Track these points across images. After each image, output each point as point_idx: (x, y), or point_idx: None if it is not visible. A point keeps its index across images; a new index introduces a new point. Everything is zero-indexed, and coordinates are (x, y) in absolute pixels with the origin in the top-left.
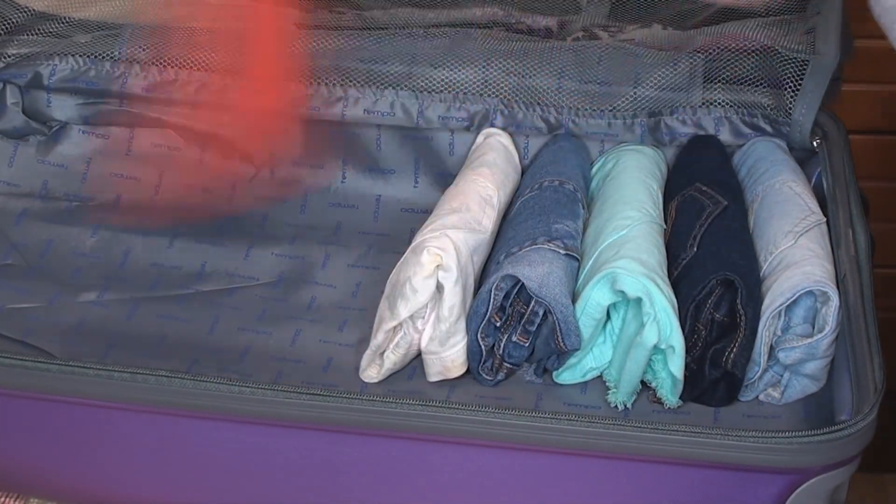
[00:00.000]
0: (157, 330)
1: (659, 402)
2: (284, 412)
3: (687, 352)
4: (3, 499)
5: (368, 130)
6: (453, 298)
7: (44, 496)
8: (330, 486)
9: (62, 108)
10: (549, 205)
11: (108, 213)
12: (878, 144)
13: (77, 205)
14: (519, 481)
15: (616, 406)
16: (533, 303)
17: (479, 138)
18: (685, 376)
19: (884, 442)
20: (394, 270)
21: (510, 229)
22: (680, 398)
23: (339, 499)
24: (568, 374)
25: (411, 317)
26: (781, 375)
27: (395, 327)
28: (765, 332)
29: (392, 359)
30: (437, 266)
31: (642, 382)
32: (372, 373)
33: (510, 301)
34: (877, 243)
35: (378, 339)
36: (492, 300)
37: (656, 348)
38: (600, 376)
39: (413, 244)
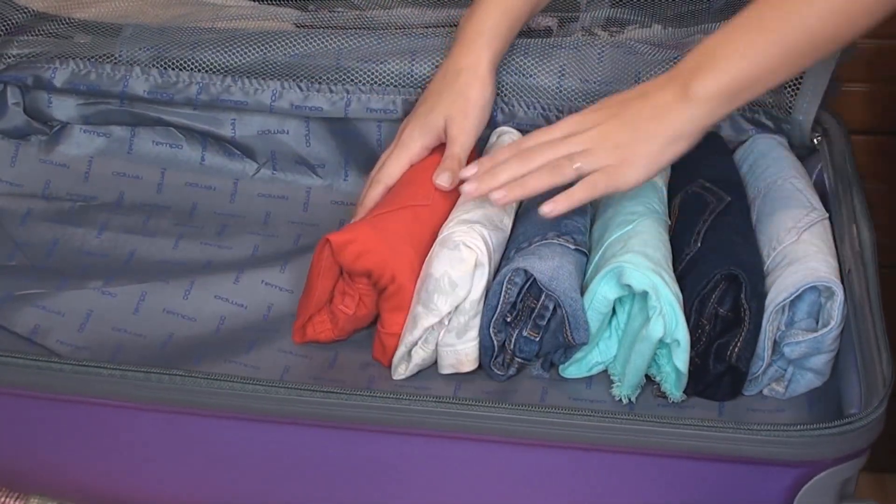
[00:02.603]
0: (164, 325)
1: (663, 395)
2: (297, 410)
3: (691, 346)
4: (3, 498)
5: (369, 128)
6: (477, 293)
7: (54, 496)
8: (340, 482)
9: (63, 108)
10: None
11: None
12: (878, 145)
13: (81, 204)
14: (529, 476)
15: (620, 400)
16: (543, 297)
17: (493, 137)
18: (689, 370)
19: (884, 442)
20: (423, 266)
21: (519, 225)
22: (684, 392)
23: (350, 495)
24: (574, 369)
25: None
26: (785, 370)
27: (434, 324)
28: (769, 327)
29: (421, 354)
30: (475, 260)
31: (646, 376)
32: (402, 370)
33: (521, 296)
34: (877, 243)
35: (414, 335)
36: (503, 292)
37: (661, 342)
38: (605, 370)
39: (441, 237)
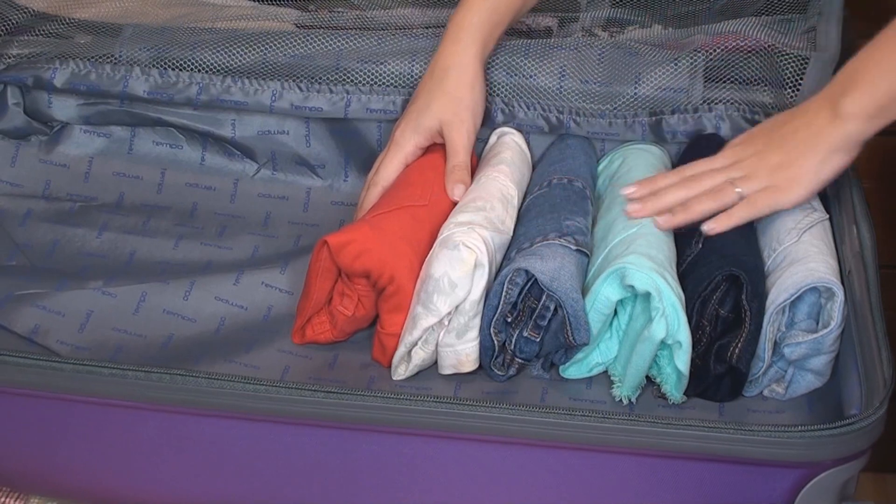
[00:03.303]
0: (164, 326)
1: (663, 397)
2: (297, 410)
3: (692, 347)
4: (3, 498)
5: (369, 128)
6: (477, 293)
7: (54, 496)
8: (342, 482)
9: (63, 108)
10: (559, 202)
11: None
12: (877, 144)
13: (81, 205)
14: (530, 476)
15: (621, 400)
16: (544, 297)
17: (493, 137)
18: (690, 371)
19: (884, 441)
20: (423, 266)
21: (521, 226)
22: (685, 393)
23: (350, 495)
24: (574, 369)
25: None
26: (785, 371)
27: (434, 325)
28: (769, 328)
29: (421, 355)
30: (475, 261)
31: (647, 377)
32: (402, 370)
33: (522, 297)
34: (876, 243)
35: (414, 335)
36: (504, 293)
37: (663, 343)
38: (606, 371)
39: (440, 237)
